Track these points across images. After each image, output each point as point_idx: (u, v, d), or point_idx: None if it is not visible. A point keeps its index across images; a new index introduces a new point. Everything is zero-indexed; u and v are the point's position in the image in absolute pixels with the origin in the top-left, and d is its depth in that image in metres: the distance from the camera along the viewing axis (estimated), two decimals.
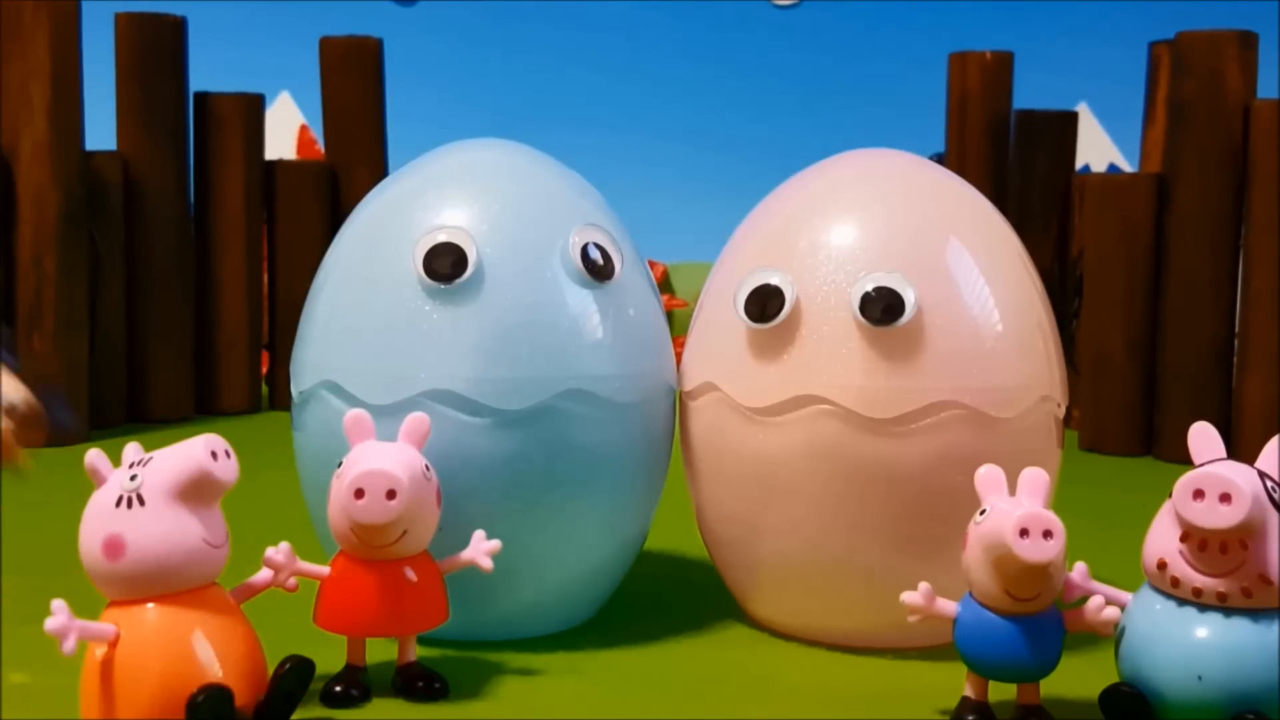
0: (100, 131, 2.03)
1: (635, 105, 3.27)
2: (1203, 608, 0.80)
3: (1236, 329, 1.90)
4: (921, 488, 0.97)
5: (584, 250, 1.01)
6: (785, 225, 1.05)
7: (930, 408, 0.97)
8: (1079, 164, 2.27)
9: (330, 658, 0.90)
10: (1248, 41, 1.88)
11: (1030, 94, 2.24)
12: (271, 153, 2.27)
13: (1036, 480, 0.85)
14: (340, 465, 0.90)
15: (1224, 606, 0.79)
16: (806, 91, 3.28)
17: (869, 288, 0.98)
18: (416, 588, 0.91)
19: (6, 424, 0.78)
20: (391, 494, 0.87)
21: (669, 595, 1.18)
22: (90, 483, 0.81)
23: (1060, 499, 0.94)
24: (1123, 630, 0.84)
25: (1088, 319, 2.01)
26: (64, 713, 0.85)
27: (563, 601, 1.05)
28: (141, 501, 0.79)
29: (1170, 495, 0.81)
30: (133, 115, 2.06)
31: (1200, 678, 0.79)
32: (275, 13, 3.22)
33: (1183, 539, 0.80)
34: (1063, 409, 1.05)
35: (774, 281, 1.01)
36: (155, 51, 2.07)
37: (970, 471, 0.87)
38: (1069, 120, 2.23)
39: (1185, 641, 0.80)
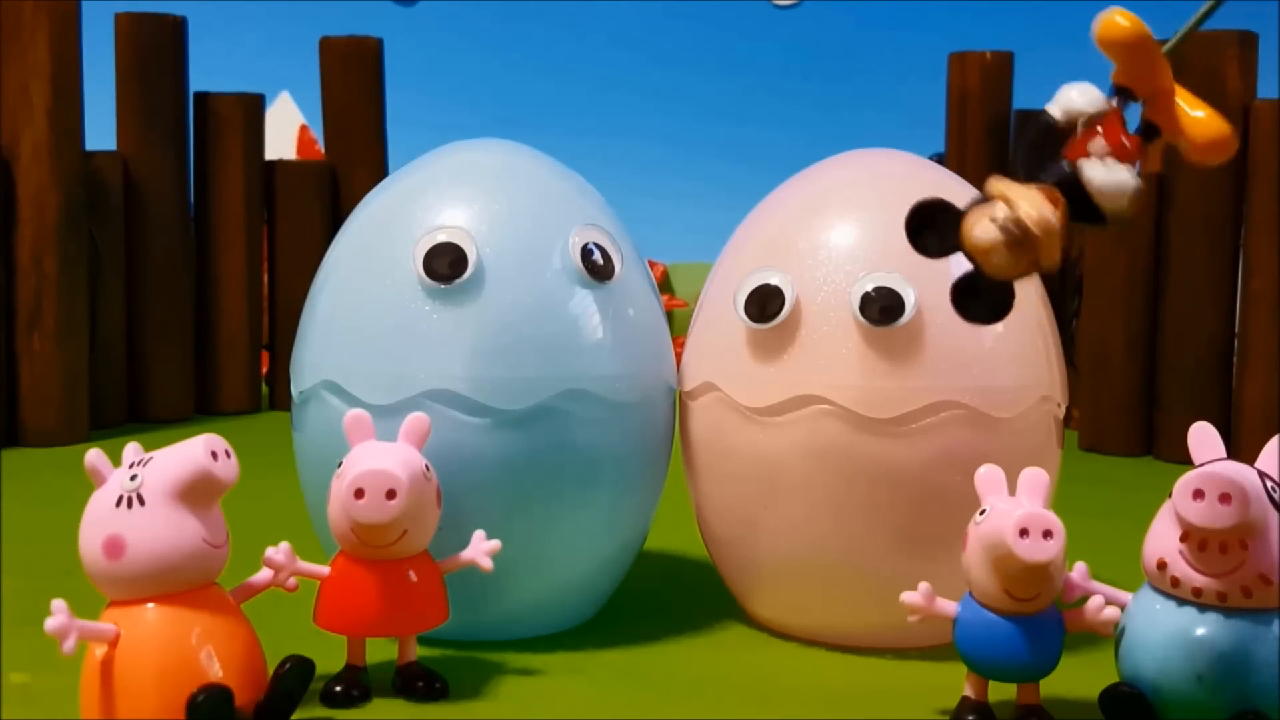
0: (100, 131, 2.03)
1: (636, 104, 3.28)
2: (1203, 608, 0.80)
3: (1236, 329, 1.90)
4: (921, 488, 0.97)
5: (584, 250, 1.01)
6: (785, 225, 1.05)
7: (930, 408, 0.97)
8: None
9: (330, 658, 0.90)
10: (1248, 41, 1.88)
11: (1030, 94, 2.25)
12: (271, 153, 2.27)
13: (1036, 480, 0.85)
14: (340, 465, 0.90)
15: (1224, 606, 0.79)
16: (806, 92, 3.28)
17: (869, 288, 0.98)
18: (417, 588, 0.91)
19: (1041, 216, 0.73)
20: (391, 494, 0.87)
21: (669, 595, 1.18)
22: (90, 483, 0.81)
23: (1060, 499, 0.94)
24: (1123, 630, 0.84)
25: (1088, 319, 2.01)
26: (64, 713, 0.85)
27: (563, 601, 1.05)
28: (141, 501, 0.79)
29: (1170, 495, 0.81)
30: (133, 115, 2.07)
31: (1200, 678, 0.79)
32: (275, 13, 3.22)
33: (1183, 539, 0.80)
34: (1063, 409, 1.05)
35: (774, 281, 1.01)
36: (155, 51, 2.08)
37: (970, 471, 0.87)
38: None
39: (1185, 641, 0.80)
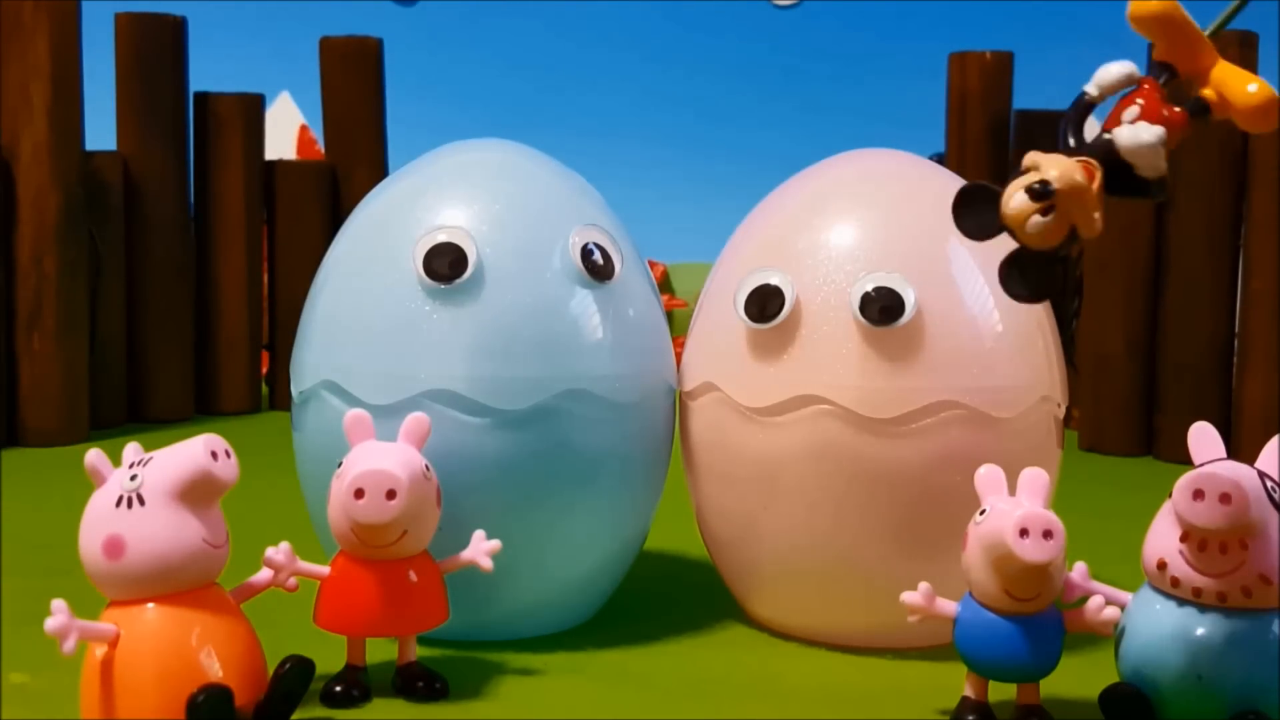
0: (100, 131, 2.03)
1: (636, 104, 3.28)
2: (1203, 608, 0.80)
3: (1236, 329, 1.90)
4: (921, 488, 0.97)
5: (584, 250, 1.01)
6: (785, 225, 1.05)
7: (930, 408, 0.97)
8: None
9: (330, 658, 0.90)
10: (1248, 42, 1.88)
11: (1030, 94, 2.25)
12: (271, 153, 2.27)
13: (1036, 480, 0.85)
14: (340, 465, 0.90)
15: (1224, 606, 0.79)
16: (806, 91, 3.29)
17: (869, 288, 0.98)
18: (417, 588, 0.91)
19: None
20: (391, 494, 0.87)
21: (669, 595, 1.18)
22: (90, 483, 0.81)
23: (1060, 499, 0.94)
24: (1123, 630, 0.84)
25: (1088, 319, 2.01)
26: (64, 713, 0.85)
27: (563, 601, 1.05)
28: (141, 501, 0.79)
29: (1170, 495, 0.81)
30: (133, 115, 2.07)
31: (1200, 677, 0.79)
32: (275, 13, 3.23)
33: (1183, 539, 0.80)
34: (1063, 409, 1.05)
35: (774, 281, 1.01)
36: (155, 51, 2.08)
37: (970, 471, 0.87)
38: None
39: (1185, 641, 0.80)
